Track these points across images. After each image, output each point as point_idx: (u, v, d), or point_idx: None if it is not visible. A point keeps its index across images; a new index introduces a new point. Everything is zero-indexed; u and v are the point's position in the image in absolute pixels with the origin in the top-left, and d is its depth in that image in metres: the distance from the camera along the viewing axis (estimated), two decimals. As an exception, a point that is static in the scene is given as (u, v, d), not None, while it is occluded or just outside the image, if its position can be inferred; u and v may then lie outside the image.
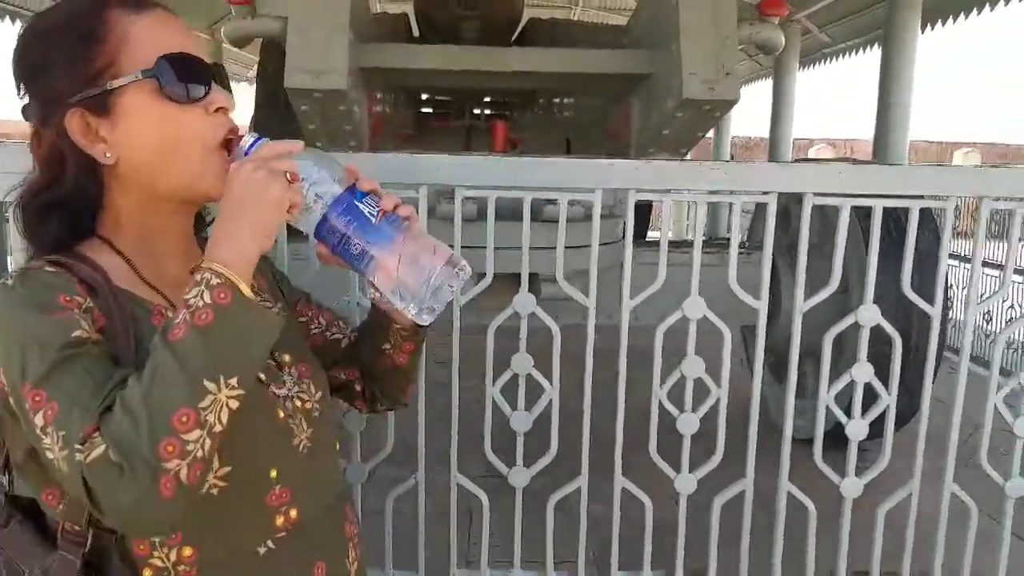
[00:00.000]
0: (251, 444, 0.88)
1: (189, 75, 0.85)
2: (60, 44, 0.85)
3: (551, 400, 1.49)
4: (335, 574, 0.97)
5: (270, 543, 0.90)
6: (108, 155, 0.86)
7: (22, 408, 0.76)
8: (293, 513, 0.92)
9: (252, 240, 0.81)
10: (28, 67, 0.87)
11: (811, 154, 18.27)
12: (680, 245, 2.79)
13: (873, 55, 8.00)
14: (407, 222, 0.91)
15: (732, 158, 12.71)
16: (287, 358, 0.98)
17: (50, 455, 0.74)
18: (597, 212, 1.44)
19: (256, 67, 5.57)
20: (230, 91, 0.92)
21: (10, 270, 0.84)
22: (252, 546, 0.89)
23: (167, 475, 0.71)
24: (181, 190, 0.88)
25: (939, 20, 6.57)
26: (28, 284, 0.81)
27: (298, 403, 0.96)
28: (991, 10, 6.07)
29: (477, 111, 6.30)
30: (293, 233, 1.13)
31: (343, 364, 1.13)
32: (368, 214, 0.88)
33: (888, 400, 1.52)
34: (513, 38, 5.37)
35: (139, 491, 0.70)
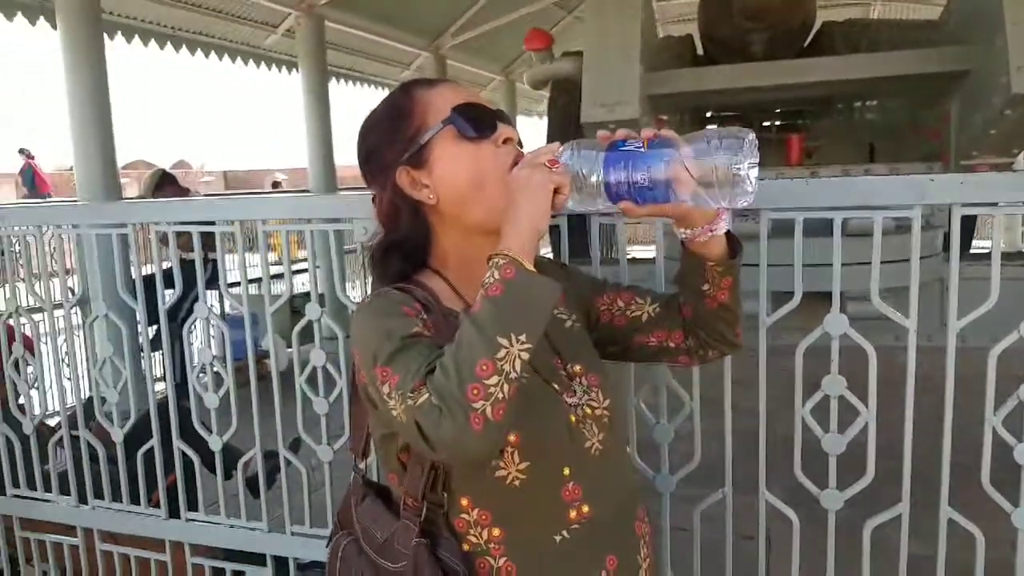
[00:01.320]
0: (546, 444, 1.03)
1: (477, 118, 1.06)
2: (386, 125, 1.11)
3: (866, 423, 1.45)
4: (626, 567, 1.08)
5: (565, 533, 1.03)
6: (431, 197, 1.07)
7: (375, 386, 0.96)
8: (586, 508, 1.04)
9: (529, 224, 0.95)
10: (366, 151, 1.13)
11: None
12: (1013, 257, 2.50)
13: None
14: (672, 139, 0.99)
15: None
16: (578, 368, 1.11)
17: (395, 413, 0.92)
18: (917, 231, 1.38)
19: (547, 102, 5.96)
20: (514, 126, 1.10)
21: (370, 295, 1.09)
22: (550, 534, 1.02)
23: (475, 412, 0.86)
24: (488, 217, 1.04)
25: None
26: (380, 299, 1.03)
27: (588, 410, 1.09)
28: None
29: (767, 123, 6.12)
30: None
31: (652, 331, 1.22)
32: (635, 149, 0.98)
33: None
34: (805, 44, 5.15)
35: (456, 427, 0.86)
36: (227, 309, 3.48)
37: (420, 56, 9.49)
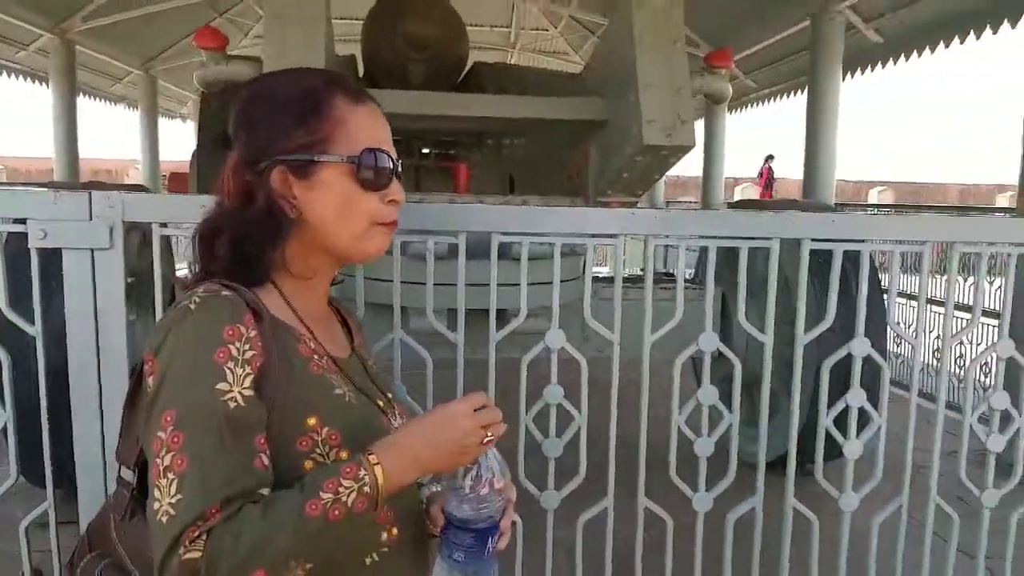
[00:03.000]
0: None
1: (381, 169, 1.03)
2: (288, 109, 1.01)
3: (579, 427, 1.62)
4: None
5: (375, 555, 1.02)
6: (294, 211, 1.01)
7: (152, 424, 0.88)
8: (395, 531, 1.04)
9: (421, 469, 0.95)
10: (250, 119, 1.02)
11: (738, 192, 19.12)
12: (635, 281, 2.98)
13: (793, 100, 8.54)
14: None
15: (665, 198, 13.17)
16: (390, 396, 1.13)
17: (156, 493, 0.85)
18: (619, 255, 1.59)
19: (199, 106, 5.59)
20: (400, 180, 1.08)
21: (199, 292, 0.95)
22: (361, 556, 1.01)
23: None
24: (344, 249, 1.05)
25: (858, 69, 7.09)
26: (206, 311, 0.92)
27: None
28: (906, 60, 6.60)
29: (425, 150, 6.41)
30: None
31: None
32: (488, 552, 1.02)
33: (879, 422, 1.71)
34: (459, 80, 5.51)
35: None
36: None
37: (43, 37, 8.23)
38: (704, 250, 1.61)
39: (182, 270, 1.12)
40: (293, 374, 0.96)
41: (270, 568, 0.84)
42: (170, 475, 0.85)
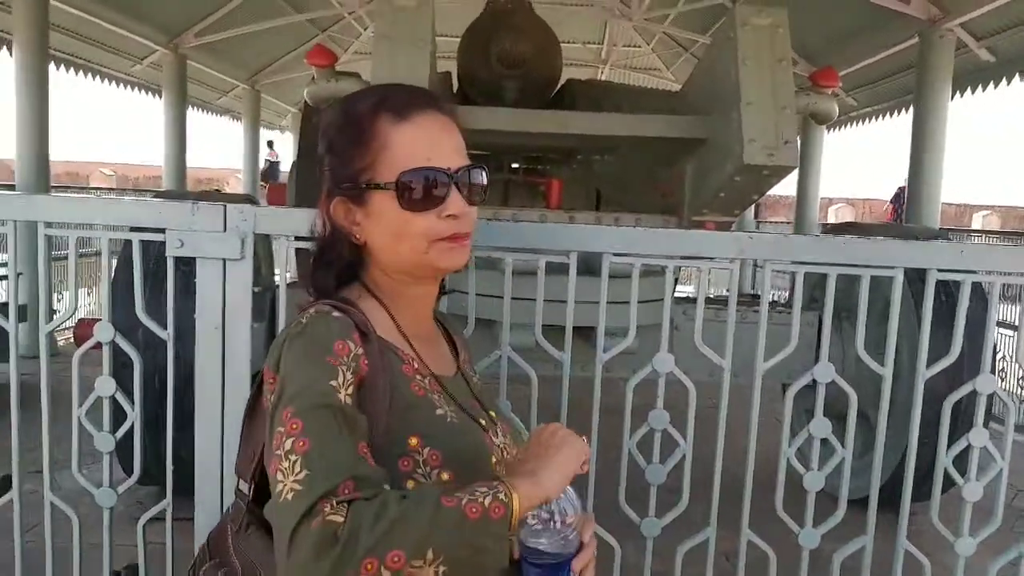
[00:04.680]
0: (470, 478, 0.97)
1: (428, 188, 1.01)
2: (339, 139, 1.05)
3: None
4: None
5: None
6: (359, 237, 1.04)
7: (274, 425, 0.89)
8: None
9: (549, 487, 0.91)
10: (321, 147, 1.07)
11: (831, 213, 18.53)
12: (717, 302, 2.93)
13: (895, 120, 8.24)
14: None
15: (758, 216, 12.89)
16: (493, 414, 1.13)
17: (279, 477, 0.86)
18: (735, 279, 1.56)
19: (301, 118, 5.79)
20: (481, 181, 1.05)
21: (311, 312, 1.00)
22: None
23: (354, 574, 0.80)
24: (413, 268, 1.05)
25: (967, 88, 6.79)
26: (318, 325, 0.97)
27: (506, 454, 1.09)
28: (1021, 80, 6.28)
29: (515, 165, 6.45)
30: None
31: None
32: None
33: (1001, 464, 1.62)
34: (551, 96, 5.53)
35: (327, 571, 0.79)
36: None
37: (157, 52, 8.71)
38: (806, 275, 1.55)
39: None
40: (396, 394, 0.98)
41: (409, 551, 0.81)
42: (292, 457, 0.85)
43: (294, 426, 0.87)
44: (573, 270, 1.57)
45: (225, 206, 1.40)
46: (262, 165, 13.24)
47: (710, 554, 1.64)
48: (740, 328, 1.60)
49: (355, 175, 1.02)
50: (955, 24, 5.95)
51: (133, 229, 1.53)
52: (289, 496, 0.83)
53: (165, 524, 1.60)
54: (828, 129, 9.03)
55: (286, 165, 13.25)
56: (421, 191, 1.00)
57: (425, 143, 1.02)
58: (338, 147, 1.04)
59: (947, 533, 1.65)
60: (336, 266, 1.06)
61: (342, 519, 0.80)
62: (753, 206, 11.18)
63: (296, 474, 0.84)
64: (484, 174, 1.06)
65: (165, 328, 1.50)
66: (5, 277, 6.22)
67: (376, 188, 1.01)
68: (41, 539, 1.63)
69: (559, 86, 5.61)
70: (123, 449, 1.61)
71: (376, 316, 1.03)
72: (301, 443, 0.86)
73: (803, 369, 1.59)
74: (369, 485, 0.85)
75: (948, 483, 1.66)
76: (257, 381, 1.07)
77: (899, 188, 15.30)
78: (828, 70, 4.19)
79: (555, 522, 0.94)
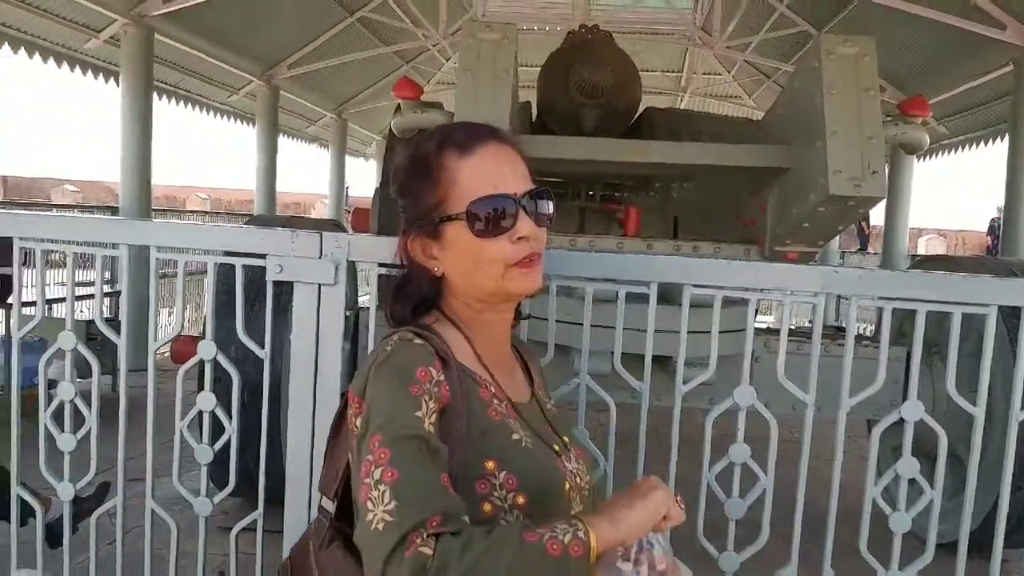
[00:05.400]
0: (548, 510, 1.01)
1: (497, 215, 1.05)
2: (409, 180, 1.11)
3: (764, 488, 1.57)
4: None
5: None
6: (438, 270, 1.10)
7: (362, 453, 0.94)
8: None
9: (626, 529, 0.93)
10: (395, 189, 1.15)
11: (921, 244, 17.88)
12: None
13: (991, 148, 7.92)
14: None
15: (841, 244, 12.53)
16: (567, 439, 1.15)
17: (369, 506, 0.90)
18: (820, 313, 1.55)
19: (385, 146, 5.97)
20: (547, 201, 1.10)
21: (394, 339, 1.06)
22: None
23: None
24: (490, 294, 1.10)
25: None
26: (402, 354, 1.02)
27: (579, 480, 1.10)
28: None
29: (592, 192, 6.45)
30: None
31: None
32: None
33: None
34: (629, 125, 5.53)
35: None
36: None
37: (252, 83, 9.14)
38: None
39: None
40: (473, 419, 1.02)
41: None
42: (381, 487, 0.90)
43: (382, 455, 0.92)
44: (653, 300, 1.58)
45: (321, 234, 1.48)
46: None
47: (790, 592, 1.61)
48: (823, 361, 1.58)
49: (428, 211, 1.08)
50: (1055, 50, 5.72)
51: (228, 253, 1.62)
52: (380, 526, 0.88)
53: (255, 535, 1.66)
54: (918, 158, 8.74)
55: (353, 190, 13.79)
56: (491, 218, 1.05)
57: (490, 173, 1.07)
58: (410, 188, 1.11)
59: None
60: (414, 298, 1.12)
61: (431, 552, 0.85)
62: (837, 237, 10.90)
63: (386, 504, 0.89)
64: (549, 197, 1.11)
65: (262, 347, 1.59)
66: (91, 296, 6.63)
67: (449, 220, 1.06)
68: (130, 544, 1.73)
69: (638, 114, 5.62)
70: (212, 461, 1.70)
71: (454, 342, 1.08)
72: (390, 473, 0.91)
73: (889, 405, 1.56)
74: (455, 519, 0.89)
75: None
76: (342, 402, 1.12)
77: (992, 219, 14.67)
78: (918, 99, 4.07)
79: (643, 566, 0.94)
